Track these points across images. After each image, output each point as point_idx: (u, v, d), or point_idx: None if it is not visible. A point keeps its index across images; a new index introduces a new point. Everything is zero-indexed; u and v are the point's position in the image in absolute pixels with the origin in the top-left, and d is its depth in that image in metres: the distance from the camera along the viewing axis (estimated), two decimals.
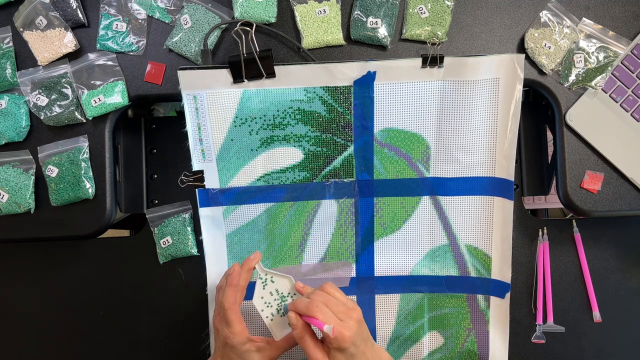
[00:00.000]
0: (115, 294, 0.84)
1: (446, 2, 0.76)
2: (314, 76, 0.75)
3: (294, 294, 0.71)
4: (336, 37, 0.76)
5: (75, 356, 0.84)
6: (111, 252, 0.84)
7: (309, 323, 0.63)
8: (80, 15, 0.77)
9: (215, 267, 0.80)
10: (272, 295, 0.71)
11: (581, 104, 0.76)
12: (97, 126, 0.78)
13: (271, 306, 0.71)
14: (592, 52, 0.76)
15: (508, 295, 0.78)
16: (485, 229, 0.78)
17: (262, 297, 0.71)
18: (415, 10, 0.76)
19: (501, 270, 0.78)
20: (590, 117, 0.76)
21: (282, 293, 0.71)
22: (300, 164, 0.78)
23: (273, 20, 0.77)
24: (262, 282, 0.71)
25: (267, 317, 0.71)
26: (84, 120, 0.77)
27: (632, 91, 0.76)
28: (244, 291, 0.70)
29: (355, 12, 0.76)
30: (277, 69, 0.74)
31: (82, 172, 0.77)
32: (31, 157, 0.78)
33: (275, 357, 0.69)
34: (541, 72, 0.77)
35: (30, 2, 0.75)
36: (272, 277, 0.71)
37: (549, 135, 0.84)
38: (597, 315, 0.81)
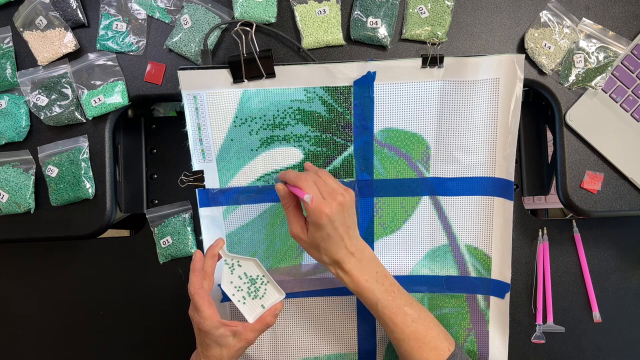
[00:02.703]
0: (115, 294, 0.84)
1: (446, 2, 0.76)
2: (314, 76, 0.75)
3: (263, 276, 0.73)
4: (336, 37, 0.76)
5: (75, 356, 0.84)
6: (111, 252, 0.84)
7: (293, 192, 0.65)
8: (80, 15, 0.77)
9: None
10: (241, 279, 0.73)
11: (581, 104, 0.76)
12: (97, 126, 0.78)
13: (242, 290, 0.73)
14: (592, 52, 0.76)
15: (508, 295, 0.78)
16: (485, 229, 0.78)
17: (231, 282, 0.73)
18: (415, 10, 0.76)
19: (501, 271, 0.78)
20: (590, 117, 0.76)
21: (250, 276, 0.73)
22: (300, 164, 0.78)
23: (273, 20, 0.77)
24: (230, 267, 0.73)
25: (238, 300, 0.72)
26: (84, 120, 0.77)
27: (632, 91, 0.76)
28: (211, 278, 0.70)
29: (355, 12, 0.76)
30: (277, 69, 0.74)
31: (82, 172, 0.77)
32: (31, 157, 0.78)
33: (252, 339, 0.70)
34: (541, 72, 0.77)
35: (30, 2, 0.75)
36: (238, 261, 0.73)
37: (549, 135, 0.84)
38: (597, 315, 0.81)
